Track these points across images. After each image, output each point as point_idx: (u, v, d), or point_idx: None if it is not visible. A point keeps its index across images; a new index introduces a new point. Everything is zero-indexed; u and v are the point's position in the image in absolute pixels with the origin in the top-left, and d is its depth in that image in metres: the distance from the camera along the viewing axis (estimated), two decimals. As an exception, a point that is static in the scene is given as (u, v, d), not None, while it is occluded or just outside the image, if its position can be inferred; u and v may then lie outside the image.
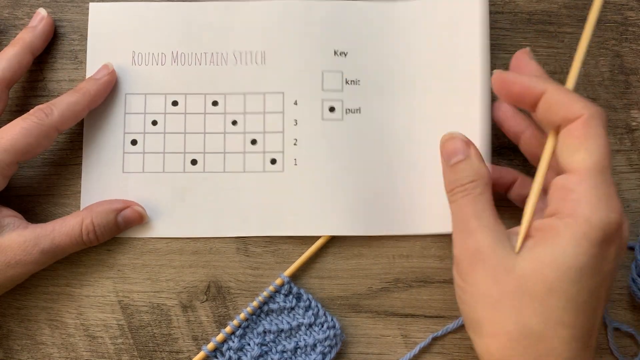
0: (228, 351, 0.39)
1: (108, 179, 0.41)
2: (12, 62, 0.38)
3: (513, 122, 0.38)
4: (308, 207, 0.40)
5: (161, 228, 0.41)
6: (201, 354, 0.39)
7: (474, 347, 0.32)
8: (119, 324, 0.40)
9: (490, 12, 0.42)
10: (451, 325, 0.40)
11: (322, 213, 0.40)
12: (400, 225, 0.40)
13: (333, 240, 0.41)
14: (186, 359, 0.40)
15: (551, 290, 0.29)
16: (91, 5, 0.42)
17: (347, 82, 0.41)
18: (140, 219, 0.40)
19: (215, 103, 0.41)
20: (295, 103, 0.41)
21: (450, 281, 0.40)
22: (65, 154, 0.42)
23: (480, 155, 0.34)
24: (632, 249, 0.40)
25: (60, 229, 0.37)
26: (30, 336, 0.40)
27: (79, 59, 0.42)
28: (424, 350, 0.40)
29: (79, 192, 0.41)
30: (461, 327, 0.40)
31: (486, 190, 0.32)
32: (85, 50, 0.42)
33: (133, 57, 0.42)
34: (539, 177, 0.33)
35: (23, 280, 0.38)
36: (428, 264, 0.41)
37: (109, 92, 0.41)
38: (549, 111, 0.32)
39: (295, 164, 0.41)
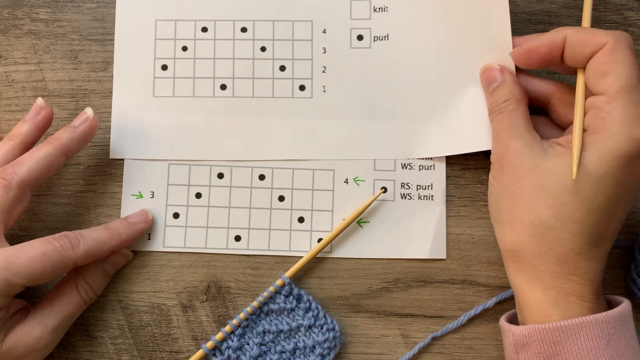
0: (227, 350, 0.39)
1: (139, 103, 0.42)
2: (41, 164, 0.36)
3: (540, 88, 0.39)
4: (337, 132, 0.41)
5: (191, 152, 0.41)
6: (200, 352, 0.39)
7: (496, 234, 0.37)
8: (119, 324, 0.40)
9: (490, 12, 0.42)
10: (451, 325, 0.40)
11: (350, 139, 0.41)
12: (429, 149, 0.41)
13: (333, 240, 0.41)
14: (186, 359, 0.40)
15: (567, 190, 0.32)
16: None
17: (375, 10, 0.42)
18: (125, 259, 0.40)
19: (244, 29, 0.42)
20: (324, 31, 0.42)
21: (449, 281, 0.40)
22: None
23: (515, 77, 0.37)
24: (631, 249, 0.40)
25: (60, 301, 0.37)
26: (30, 336, 0.40)
27: (79, 59, 0.42)
28: (424, 350, 0.40)
29: (79, 191, 0.41)
30: (461, 327, 0.40)
31: (518, 106, 0.36)
32: (85, 51, 0.42)
33: None
34: (579, 107, 0.34)
35: None
36: (428, 264, 0.41)
37: (140, 237, 0.40)
38: (575, 52, 0.34)
39: (324, 91, 0.42)
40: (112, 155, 0.41)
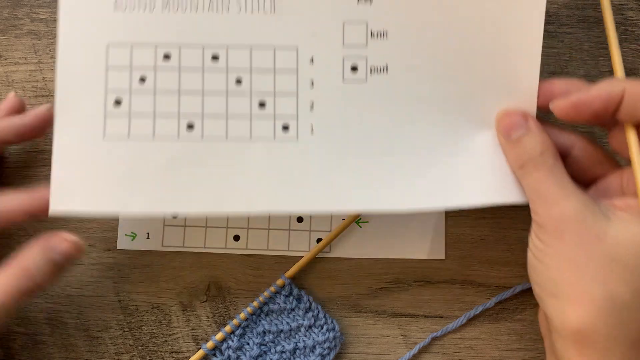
0: (227, 350, 0.39)
1: (85, 147, 0.34)
2: None
3: (561, 138, 0.34)
4: (326, 180, 0.35)
5: (150, 206, 0.34)
6: (200, 352, 0.39)
7: (545, 310, 0.31)
8: (119, 324, 0.40)
9: (490, 12, 0.42)
10: (451, 325, 0.40)
11: (343, 188, 0.35)
12: (432, 199, 0.35)
13: (333, 240, 0.41)
14: (186, 359, 0.40)
15: None
16: None
17: (372, 35, 0.35)
18: (74, 248, 0.34)
19: (215, 57, 0.35)
20: (312, 61, 0.35)
21: (450, 281, 0.40)
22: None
23: (541, 126, 0.33)
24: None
25: None
26: (30, 336, 0.40)
27: (79, 59, 0.42)
28: (424, 350, 0.40)
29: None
30: (461, 327, 0.40)
31: (557, 159, 0.32)
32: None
33: (115, 0, 0.34)
34: (637, 166, 0.31)
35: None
36: (428, 264, 0.41)
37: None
38: (635, 107, 0.30)
39: (312, 132, 0.35)
40: (52, 208, 0.34)
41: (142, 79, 0.35)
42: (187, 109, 0.35)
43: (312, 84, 0.35)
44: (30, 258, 0.33)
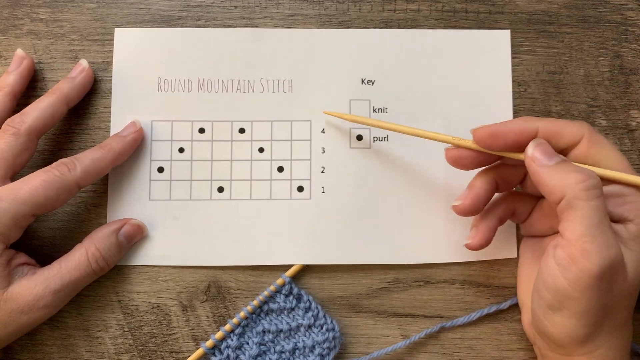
0: (226, 349, 0.39)
1: (134, 207, 0.40)
2: (45, 112, 0.38)
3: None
4: (337, 234, 0.40)
5: (186, 255, 0.40)
6: (199, 351, 0.39)
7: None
8: (119, 324, 0.40)
9: (490, 12, 0.42)
10: (462, 319, 0.40)
11: (351, 241, 0.40)
12: (428, 254, 0.40)
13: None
14: (186, 359, 0.40)
15: None
16: (117, 30, 0.42)
17: (374, 110, 0.41)
18: (140, 232, 0.40)
19: (242, 130, 0.41)
20: (323, 131, 0.41)
21: (449, 281, 0.40)
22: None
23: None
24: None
25: (67, 265, 0.37)
26: (30, 336, 0.40)
27: (79, 59, 0.42)
28: (424, 350, 0.40)
29: (80, 193, 0.41)
30: (461, 327, 0.40)
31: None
32: (85, 50, 0.42)
33: (159, 83, 0.41)
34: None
35: (37, 325, 0.37)
36: (428, 263, 0.41)
37: (135, 149, 0.40)
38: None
39: (323, 192, 0.41)
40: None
41: (181, 150, 0.41)
42: (218, 175, 0.41)
43: (324, 150, 0.41)
44: (100, 239, 0.38)
